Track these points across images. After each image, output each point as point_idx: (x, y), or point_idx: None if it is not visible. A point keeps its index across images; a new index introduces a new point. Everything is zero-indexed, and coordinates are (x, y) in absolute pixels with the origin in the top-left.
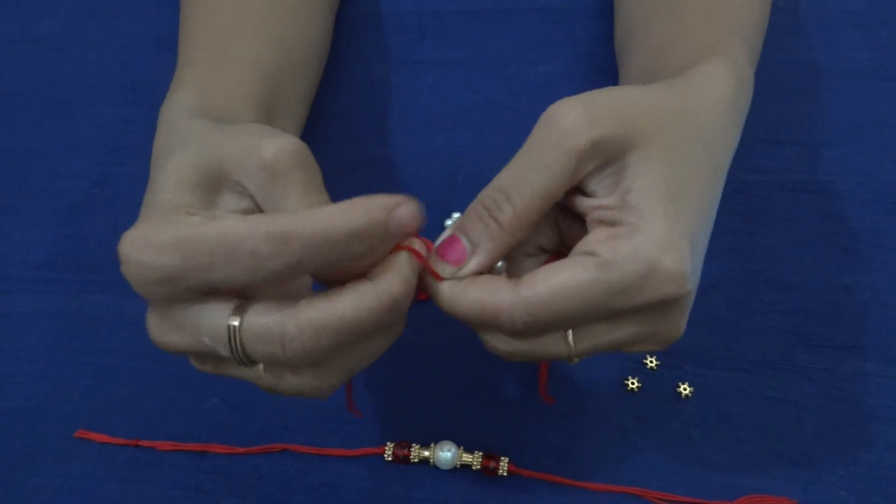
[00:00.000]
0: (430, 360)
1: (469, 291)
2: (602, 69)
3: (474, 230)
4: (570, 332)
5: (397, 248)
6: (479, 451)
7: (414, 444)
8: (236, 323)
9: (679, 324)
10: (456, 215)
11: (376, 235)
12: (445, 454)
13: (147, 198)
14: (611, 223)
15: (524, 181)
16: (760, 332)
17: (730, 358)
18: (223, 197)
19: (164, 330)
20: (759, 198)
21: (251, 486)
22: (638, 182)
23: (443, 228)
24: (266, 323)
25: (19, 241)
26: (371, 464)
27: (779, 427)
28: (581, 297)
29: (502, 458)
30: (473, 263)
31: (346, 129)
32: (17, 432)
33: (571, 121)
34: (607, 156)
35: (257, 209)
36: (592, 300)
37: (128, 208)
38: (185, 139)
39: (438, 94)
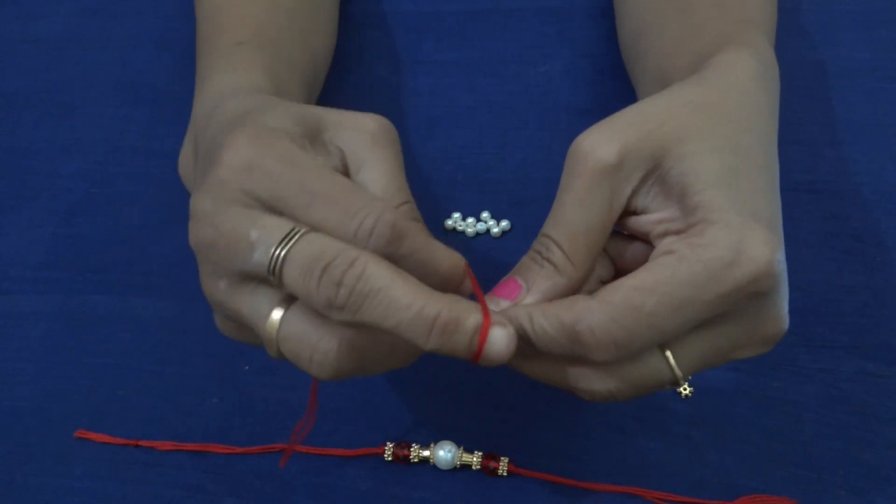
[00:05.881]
0: (430, 360)
1: (538, 317)
2: (602, 69)
3: (529, 272)
4: (669, 352)
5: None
6: (479, 451)
7: (414, 444)
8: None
9: (779, 317)
10: (456, 215)
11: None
12: (445, 454)
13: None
14: (679, 232)
15: (565, 222)
16: None
17: None
18: (315, 150)
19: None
20: None
21: (251, 486)
22: (690, 180)
23: (443, 228)
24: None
25: (19, 241)
26: (371, 464)
27: (779, 427)
28: (664, 293)
29: (502, 458)
30: (529, 298)
31: None
32: (17, 432)
33: (592, 143)
34: (643, 167)
35: (342, 171)
36: (676, 295)
37: (128, 208)
38: (278, 102)
39: (438, 94)
